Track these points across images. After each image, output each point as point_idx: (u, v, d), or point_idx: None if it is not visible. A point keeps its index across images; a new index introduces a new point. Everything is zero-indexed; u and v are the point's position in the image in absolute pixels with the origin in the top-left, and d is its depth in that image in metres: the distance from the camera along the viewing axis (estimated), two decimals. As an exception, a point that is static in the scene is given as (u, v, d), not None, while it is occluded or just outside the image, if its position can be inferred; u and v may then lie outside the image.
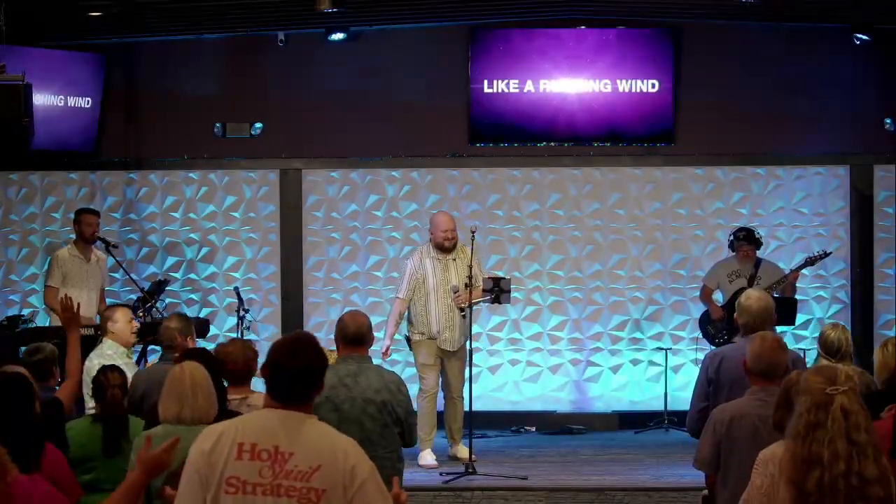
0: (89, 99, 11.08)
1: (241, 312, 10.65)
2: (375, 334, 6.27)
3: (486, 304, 9.68)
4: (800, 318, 10.87)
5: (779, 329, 6.83)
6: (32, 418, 4.57)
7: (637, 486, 8.67)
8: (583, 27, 11.43)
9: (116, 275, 10.98)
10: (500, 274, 10.16)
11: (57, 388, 6.50)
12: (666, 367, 11.21)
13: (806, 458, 3.66)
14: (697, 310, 11.08)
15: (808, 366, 7.87)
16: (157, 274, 11.37)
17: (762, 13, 10.67)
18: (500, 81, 11.40)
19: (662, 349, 11.29)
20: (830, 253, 10.74)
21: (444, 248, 9.49)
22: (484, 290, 9.37)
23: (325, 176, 11.62)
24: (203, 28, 11.03)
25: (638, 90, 11.40)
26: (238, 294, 10.74)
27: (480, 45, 11.40)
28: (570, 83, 11.41)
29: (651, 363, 11.49)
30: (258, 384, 6.57)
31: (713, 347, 10.13)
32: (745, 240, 10.54)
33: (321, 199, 11.63)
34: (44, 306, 10.59)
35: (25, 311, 10.77)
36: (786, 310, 9.77)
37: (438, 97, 11.49)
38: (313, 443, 3.65)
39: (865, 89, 11.42)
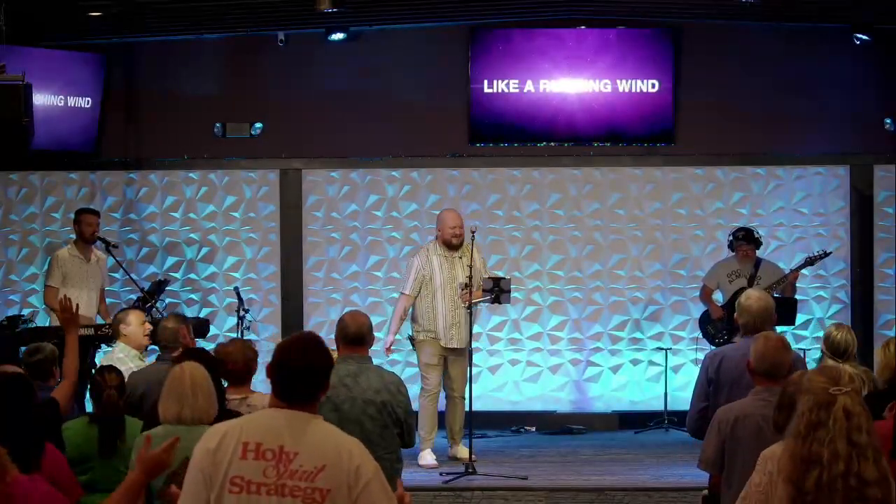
0: (89, 99, 11.08)
1: (241, 312, 10.65)
2: (376, 334, 6.27)
3: (486, 303, 9.67)
4: (800, 318, 10.87)
5: (779, 329, 6.82)
6: (32, 418, 4.57)
7: (637, 486, 8.66)
8: (583, 27, 11.43)
9: (116, 275, 10.98)
10: (500, 274, 10.16)
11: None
12: (666, 367, 11.21)
13: (806, 458, 3.66)
14: (697, 310, 11.08)
15: (808, 366, 7.88)
16: (157, 274, 11.37)
17: (762, 13, 10.67)
18: (500, 81, 11.40)
19: (662, 349, 11.29)
20: (830, 253, 10.74)
21: (452, 245, 9.50)
22: (484, 290, 9.36)
23: (325, 176, 11.62)
24: (203, 28, 11.03)
25: (638, 90, 11.40)
26: (238, 294, 10.74)
27: (480, 45, 11.40)
28: (570, 83, 11.41)
29: (651, 363, 11.49)
30: (258, 384, 6.58)
31: (713, 347, 10.13)
32: (745, 240, 10.54)
33: (321, 199, 11.63)
34: (44, 306, 10.59)
35: (25, 311, 10.76)
36: (786, 310, 9.77)
37: (438, 97, 11.49)
38: (318, 443, 3.64)
39: (865, 89, 11.42)
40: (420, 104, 11.47)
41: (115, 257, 10.33)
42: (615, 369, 11.55)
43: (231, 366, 6.25)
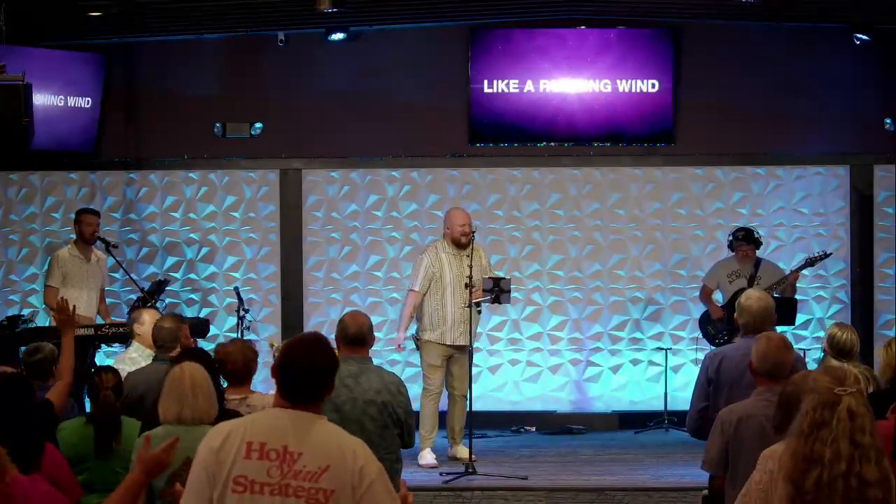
0: (89, 99, 11.08)
1: (241, 312, 10.65)
2: (377, 334, 6.27)
3: (487, 303, 9.67)
4: (800, 318, 10.87)
5: (779, 329, 6.82)
6: (32, 419, 4.57)
7: (637, 486, 8.66)
8: (583, 27, 11.43)
9: (116, 275, 10.97)
10: (500, 274, 10.15)
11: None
12: (666, 367, 11.20)
13: (807, 457, 3.66)
14: (697, 310, 11.08)
15: (809, 366, 7.89)
16: (157, 274, 11.37)
17: (762, 13, 10.67)
18: (500, 81, 11.40)
19: (662, 349, 11.29)
20: (830, 254, 10.74)
21: (461, 243, 9.50)
22: (484, 290, 9.37)
23: (325, 176, 11.61)
24: (203, 28, 11.03)
25: (638, 90, 11.40)
26: (238, 294, 10.73)
27: (480, 45, 11.40)
28: (571, 83, 11.41)
29: (651, 363, 11.49)
30: (258, 384, 6.58)
31: (713, 347, 10.13)
32: (745, 240, 10.54)
33: (321, 199, 11.63)
34: (44, 306, 10.58)
35: (25, 311, 10.75)
36: (786, 310, 9.76)
37: (438, 97, 11.49)
38: (322, 443, 3.64)
39: (865, 89, 11.42)
40: (420, 104, 11.47)
41: (115, 257, 10.32)
42: (615, 369, 11.55)
43: (231, 366, 6.25)
